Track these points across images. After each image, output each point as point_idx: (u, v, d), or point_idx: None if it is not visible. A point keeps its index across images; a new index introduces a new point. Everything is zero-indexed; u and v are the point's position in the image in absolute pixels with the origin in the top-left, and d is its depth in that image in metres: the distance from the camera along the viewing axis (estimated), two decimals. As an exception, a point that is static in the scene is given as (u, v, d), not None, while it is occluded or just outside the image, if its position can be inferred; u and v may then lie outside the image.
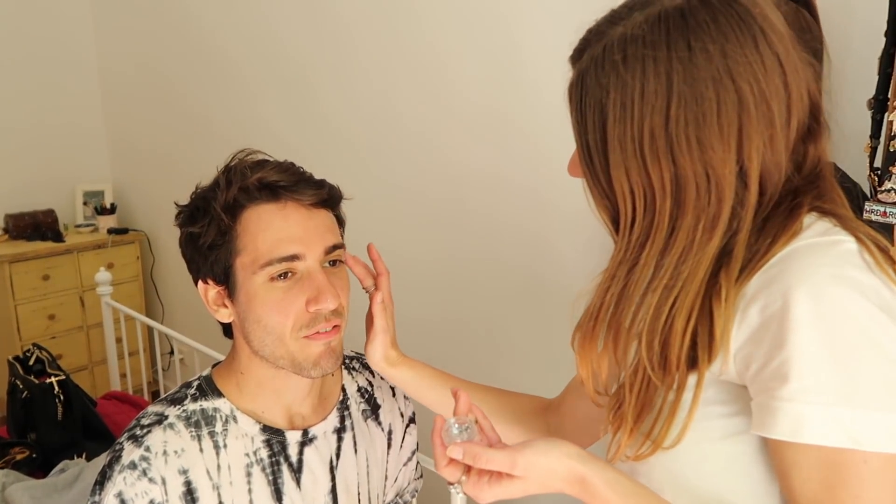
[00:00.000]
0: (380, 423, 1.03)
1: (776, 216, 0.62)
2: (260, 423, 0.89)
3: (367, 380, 1.05)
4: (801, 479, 0.57)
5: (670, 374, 0.63)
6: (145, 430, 0.85)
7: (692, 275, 0.62)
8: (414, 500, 1.15)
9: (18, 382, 2.04)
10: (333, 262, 0.87)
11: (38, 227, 3.11)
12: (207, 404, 0.89)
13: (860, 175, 1.04)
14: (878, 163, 1.00)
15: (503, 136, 1.74)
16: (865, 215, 0.97)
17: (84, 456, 1.93)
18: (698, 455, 0.65)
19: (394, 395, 1.07)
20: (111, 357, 2.63)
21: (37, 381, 2.01)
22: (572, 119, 0.66)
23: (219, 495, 0.85)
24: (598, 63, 0.62)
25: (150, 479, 0.81)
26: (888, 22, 1.00)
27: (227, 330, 0.92)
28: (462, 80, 1.79)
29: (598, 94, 0.62)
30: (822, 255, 0.58)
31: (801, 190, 0.64)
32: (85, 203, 3.38)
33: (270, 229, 0.83)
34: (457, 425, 0.69)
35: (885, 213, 0.96)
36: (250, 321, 0.85)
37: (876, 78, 1.02)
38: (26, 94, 3.19)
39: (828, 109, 0.66)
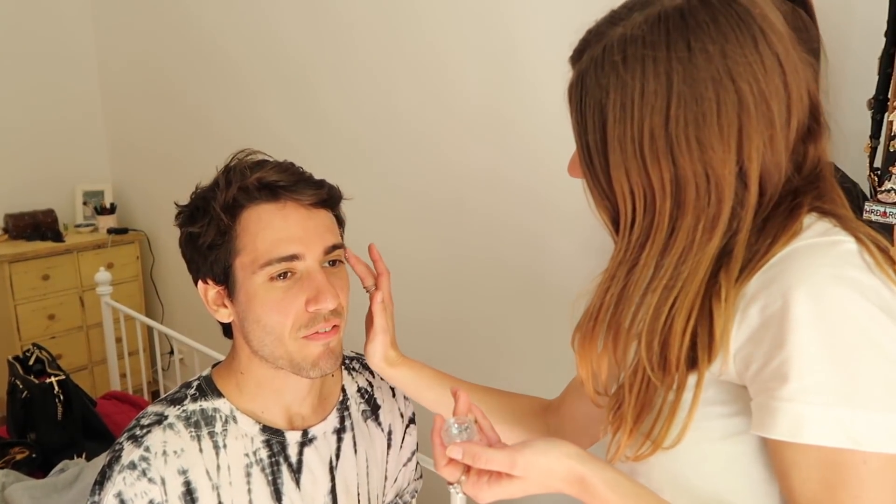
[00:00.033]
0: (380, 424, 1.03)
1: (776, 216, 0.62)
2: (259, 423, 0.89)
3: (367, 380, 1.05)
4: (800, 480, 0.57)
5: (670, 375, 0.63)
6: (145, 431, 0.85)
7: (692, 275, 0.62)
8: (414, 501, 1.15)
9: (18, 382, 2.04)
10: (333, 262, 0.87)
11: (37, 226, 3.11)
12: (207, 404, 0.89)
13: (860, 175, 1.04)
14: (877, 163, 1.00)
15: (503, 136, 1.74)
16: (865, 215, 0.97)
17: (84, 456, 1.93)
18: (698, 455, 0.65)
19: (394, 395, 1.07)
20: (111, 357, 2.63)
21: (37, 381, 2.01)
22: (572, 120, 0.66)
23: (218, 495, 0.85)
24: (597, 64, 0.62)
25: (150, 480, 0.81)
26: (888, 22, 1.00)
27: (227, 330, 0.92)
28: (462, 80, 1.79)
29: (597, 94, 0.62)
30: (822, 256, 0.58)
31: (801, 190, 0.64)
32: (85, 203, 3.38)
33: (270, 229, 0.83)
34: (456, 425, 0.69)
35: (885, 213, 0.96)
36: (250, 321, 0.85)
37: (876, 78, 1.02)
38: (26, 93, 3.19)
39: (828, 109, 0.66)
